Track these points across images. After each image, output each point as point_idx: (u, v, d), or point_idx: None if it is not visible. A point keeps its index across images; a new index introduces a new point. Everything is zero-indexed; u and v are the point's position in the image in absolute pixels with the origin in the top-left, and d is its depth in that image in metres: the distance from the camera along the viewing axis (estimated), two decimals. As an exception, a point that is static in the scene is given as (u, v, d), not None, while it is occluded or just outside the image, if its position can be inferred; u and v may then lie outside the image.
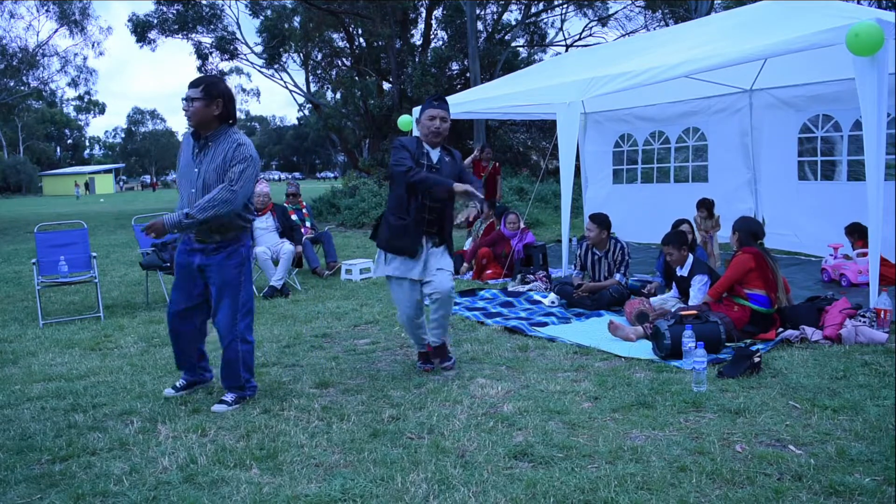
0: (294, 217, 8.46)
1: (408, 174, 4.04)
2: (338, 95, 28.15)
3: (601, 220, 6.24)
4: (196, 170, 3.69)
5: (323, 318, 6.15)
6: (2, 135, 55.04)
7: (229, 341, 3.84)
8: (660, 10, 23.40)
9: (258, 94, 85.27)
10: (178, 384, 4.12)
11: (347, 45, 25.75)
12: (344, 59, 27.02)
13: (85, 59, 57.32)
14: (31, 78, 33.04)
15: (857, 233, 6.84)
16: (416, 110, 4.21)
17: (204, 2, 24.75)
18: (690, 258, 5.51)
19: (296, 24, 25.92)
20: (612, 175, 10.75)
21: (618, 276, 6.21)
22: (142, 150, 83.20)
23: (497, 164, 10.55)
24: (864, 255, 6.39)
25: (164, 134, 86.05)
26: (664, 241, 5.61)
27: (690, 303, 5.30)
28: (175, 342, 4.05)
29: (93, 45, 37.30)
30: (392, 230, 4.17)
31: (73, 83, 37.14)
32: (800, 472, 2.76)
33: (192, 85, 3.64)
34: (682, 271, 5.52)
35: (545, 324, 5.58)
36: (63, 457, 3.21)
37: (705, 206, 7.81)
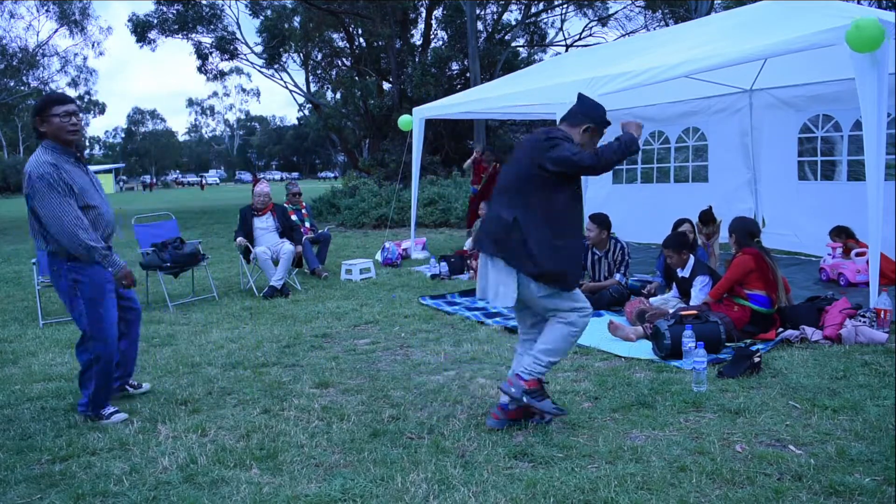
0: (294, 217, 8.45)
1: (601, 157, 3.18)
2: (338, 95, 28.16)
3: (601, 220, 6.24)
4: (91, 180, 3.63)
5: (323, 318, 6.15)
6: (2, 135, 55.05)
7: None
8: (660, 10, 23.40)
9: (258, 94, 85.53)
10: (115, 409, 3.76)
11: (347, 45, 25.76)
12: (344, 59, 27.03)
13: (85, 59, 57.41)
14: (31, 78, 33.09)
15: (843, 233, 6.85)
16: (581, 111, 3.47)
17: (204, 2, 24.76)
18: (691, 259, 5.51)
19: (296, 24, 25.93)
20: (611, 175, 10.75)
21: (618, 276, 6.21)
22: (142, 150, 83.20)
23: (497, 164, 10.56)
24: (862, 254, 6.40)
25: (164, 134, 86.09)
26: (664, 244, 5.61)
27: (692, 304, 5.30)
28: (114, 368, 3.76)
29: (93, 45, 37.41)
30: (568, 253, 3.25)
31: (74, 83, 37.21)
32: (800, 472, 2.76)
33: (70, 101, 3.54)
34: (684, 272, 5.52)
35: (545, 324, 5.57)
36: (63, 457, 3.21)
37: (708, 220, 7.62)
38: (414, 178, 10.02)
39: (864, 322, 4.66)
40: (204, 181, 68.05)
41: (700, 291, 5.28)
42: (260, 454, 3.15)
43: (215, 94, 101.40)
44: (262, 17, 25.88)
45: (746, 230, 5.02)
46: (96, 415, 3.68)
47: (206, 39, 25.81)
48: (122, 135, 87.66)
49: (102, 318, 3.61)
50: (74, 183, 3.47)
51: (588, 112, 3.38)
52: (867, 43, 4.67)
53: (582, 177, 3.40)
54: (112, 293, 3.66)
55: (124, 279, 3.62)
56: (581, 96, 3.48)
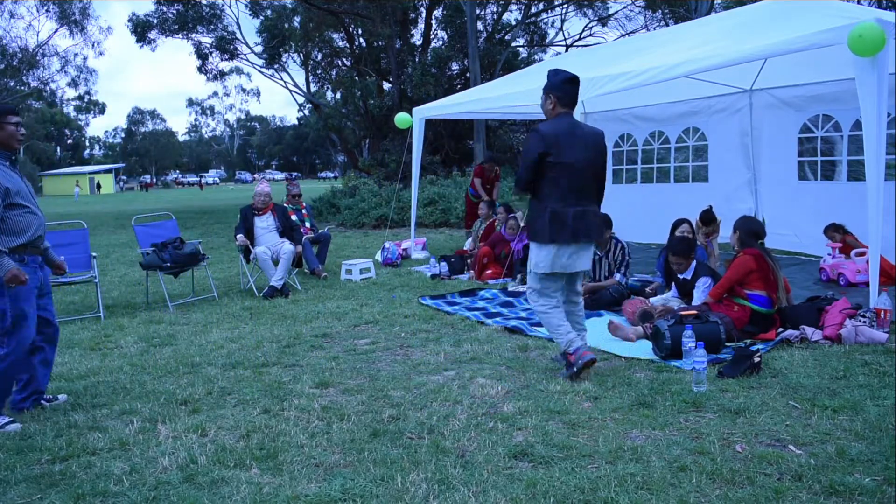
0: (294, 217, 8.45)
1: None
2: (338, 95, 28.16)
3: (602, 220, 6.23)
4: (25, 184, 3.83)
5: (323, 318, 6.15)
6: (2, 135, 55.04)
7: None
8: (660, 10, 23.41)
9: (258, 94, 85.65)
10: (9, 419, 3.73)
11: (347, 45, 25.75)
12: (344, 59, 27.02)
13: (85, 59, 57.54)
14: (31, 78, 33.17)
15: (840, 230, 6.86)
16: None
17: (204, 2, 24.74)
18: (693, 261, 5.51)
19: (296, 24, 25.92)
20: (611, 175, 10.75)
21: (618, 276, 6.21)
22: (142, 150, 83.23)
23: (498, 169, 10.59)
24: (862, 254, 6.40)
25: (164, 134, 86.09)
26: (672, 251, 5.56)
27: (693, 304, 5.29)
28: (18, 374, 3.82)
29: (93, 45, 37.50)
30: None
31: (73, 83, 37.30)
32: (800, 472, 2.76)
33: (15, 112, 3.86)
34: (686, 274, 5.51)
35: (545, 324, 5.57)
36: (63, 457, 3.21)
37: (709, 220, 7.60)
38: (414, 178, 10.02)
39: (864, 322, 4.66)
40: (202, 181, 68.15)
41: (703, 293, 5.27)
42: (260, 454, 3.15)
43: (215, 94, 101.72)
44: (262, 17, 25.87)
45: (752, 230, 5.01)
46: None
47: (206, 39, 25.83)
48: (122, 135, 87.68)
49: (25, 315, 3.66)
50: (9, 182, 3.68)
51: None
52: (870, 48, 4.68)
53: None
54: (34, 297, 3.75)
55: (11, 281, 3.54)
56: (557, 71, 4.38)
